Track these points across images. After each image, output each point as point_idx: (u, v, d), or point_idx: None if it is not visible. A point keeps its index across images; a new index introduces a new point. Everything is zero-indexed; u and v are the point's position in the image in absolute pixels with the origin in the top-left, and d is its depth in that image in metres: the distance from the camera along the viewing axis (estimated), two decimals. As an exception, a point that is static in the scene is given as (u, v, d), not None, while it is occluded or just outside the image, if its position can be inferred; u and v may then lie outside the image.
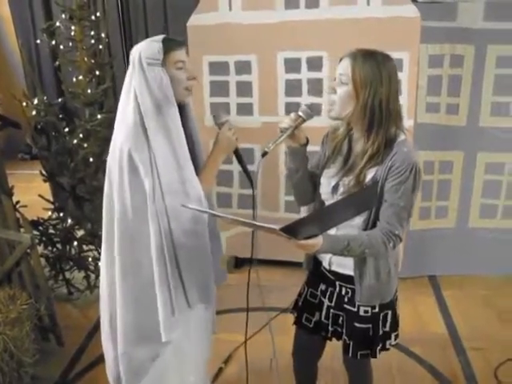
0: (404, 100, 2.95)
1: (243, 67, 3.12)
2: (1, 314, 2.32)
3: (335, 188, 1.58)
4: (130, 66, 1.57)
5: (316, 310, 1.80)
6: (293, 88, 3.06)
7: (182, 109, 1.66)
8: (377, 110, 1.45)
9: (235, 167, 3.12)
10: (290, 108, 2.95)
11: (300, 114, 1.57)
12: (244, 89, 3.16)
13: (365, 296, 1.64)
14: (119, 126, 1.61)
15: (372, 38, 2.83)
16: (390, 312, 1.71)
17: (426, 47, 2.92)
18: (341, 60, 1.51)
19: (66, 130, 2.91)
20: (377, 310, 1.67)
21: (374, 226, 1.54)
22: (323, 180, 1.65)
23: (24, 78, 3.73)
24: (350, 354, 1.71)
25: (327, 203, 1.64)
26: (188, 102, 1.70)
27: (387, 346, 1.74)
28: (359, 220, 1.55)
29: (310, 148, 1.67)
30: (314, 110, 1.60)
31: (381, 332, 1.70)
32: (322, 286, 1.77)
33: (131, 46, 3.33)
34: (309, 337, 1.86)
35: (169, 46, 1.54)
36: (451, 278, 3.31)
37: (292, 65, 3.02)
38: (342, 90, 1.48)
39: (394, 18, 2.79)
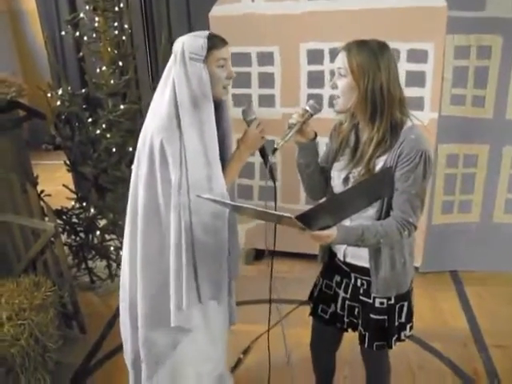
0: (427, 92, 2.91)
1: (265, 58, 3.10)
2: (26, 300, 2.37)
3: (346, 180, 1.58)
4: (172, 58, 1.58)
5: (331, 302, 1.80)
6: (315, 79, 3.04)
7: (217, 107, 1.66)
8: (378, 96, 1.46)
9: (257, 159, 3.12)
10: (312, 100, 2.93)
11: (307, 108, 1.57)
12: (266, 80, 3.15)
13: (381, 288, 1.63)
14: (152, 117, 1.62)
15: (396, 29, 2.80)
16: (405, 303, 1.70)
17: (453, 38, 2.86)
18: (337, 54, 1.51)
19: (90, 120, 2.94)
20: (392, 301, 1.67)
21: (386, 216, 1.54)
22: (334, 173, 1.65)
23: (49, 69, 3.78)
24: (366, 345, 1.71)
25: None
26: (224, 100, 1.70)
27: (402, 337, 1.73)
28: (372, 211, 1.55)
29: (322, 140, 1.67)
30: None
31: (396, 323, 1.70)
32: (337, 278, 1.77)
33: (154, 38, 3.35)
34: (325, 328, 1.86)
35: (213, 42, 1.55)
36: (474, 274, 3.25)
37: (315, 56, 3.00)
38: (342, 83, 1.49)
39: (420, 8, 2.74)
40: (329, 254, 1.80)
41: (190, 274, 1.64)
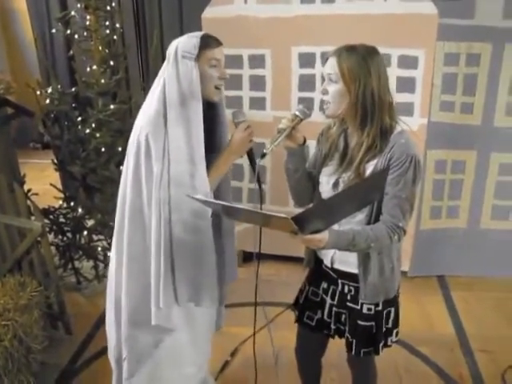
0: (417, 98, 2.93)
1: (257, 61, 3.10)
2: (11, 300, 2.34)
3: (335, 185, 1.58)
4: (166, 60, 1.58)
5: (318, 308, 1.79)
6: (306, 83, 3.04)
7: (213, 109, 1.66)
8: (369, 101, 1.46)
9: (246, 161, 3.11)
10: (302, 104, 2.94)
11: (297, 113, 1.56)
12: (257, 83, 3.15)
13: (369, 293, 1.63)
14: (142, 116, 1.62)
15: (388, 35, 2.82)
16: (392, 309, 1.70)
17: (443, 45, 2.89)
18: (327, 59, 1.51)
19: (79, 119, 2.92)
20: (380, 307, 1.67)
21: (376, 221, 1.54)
22: (322, 178, 1.64)
23: (38, 68, 3.74)
24: (354, 352, 1.70)
25: None
26: (220, 103, 1.68)
27: (389, 343, 1.73)
28: (361, 215, 1.55)
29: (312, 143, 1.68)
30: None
31: (384, 329, 1.70)
32: (324, 284, 1.76)
33: (145, 38, 3.33)
34: (311, 335, 1.85)
35: (206, 42, 1.55)
36: (460, 279, 3.28)
37: (306, 60, 3.01)
38: (333, 89, 1.49)
39: (411, 15, 2.76)
40: (315, 260, 1.79)
41: (167, 274, 1.62)
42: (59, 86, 2.89)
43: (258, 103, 3.19)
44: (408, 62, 2.87)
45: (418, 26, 2.77)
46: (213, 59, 1.55)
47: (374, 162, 1.50)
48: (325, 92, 1.52)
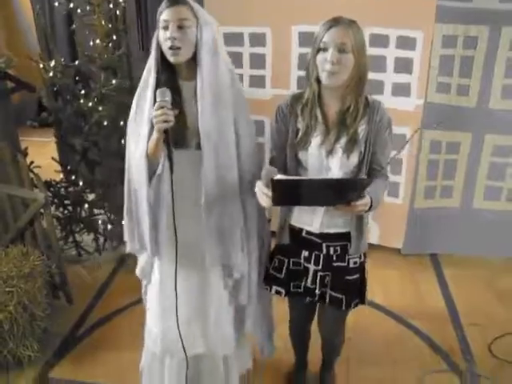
0: (415, 79, 2.98)
1: (258, 39, 3.13)
2: (15, 268, 2.39)
3: (330, 152, 1.63)
4: None
5: (303, 276, 1.84)
6: (306, 62, 3.07)
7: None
8: (365, 72, 1.58)
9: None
10: (302, 82, 2.96)
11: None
12: (257, 61, 3.19)
13: (358, 247, 1.77)
14: None
15: (387, 16, 2.86)
16: (367, 259, 1.86)
17: (441, 27, 2.93)
18: (330, 28, 1.52)
19: (82, 92, 2.94)
20: (362, 259, 1.82)
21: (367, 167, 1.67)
22: (312, 151, 1.65)
23: (38, 42, 3.74)
24: (344, 307, 1.81)
25: (318, 173, 1.66)
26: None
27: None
28: (354, 159, 1.64)
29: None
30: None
31: (365, 279, 1.85)
32: (305, 253, 1.81)
33: (146, 14, 3.31)
34: (302, 302, 1.91)
35: (161, 7, 1.57)
36: (453, 258, 3.36)
37: (306, 39, 3.04)
38: (345, 59, 1.52)
39: (411, -4, 2.80)
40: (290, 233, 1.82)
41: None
42: (62, 60, 2.90)
43: (257, 81, 3.22)
44: (406, 43, 2.91)
45: (417, 7, 2.80)
46: (162, 21, 1.56)
47: (363, 125, 1.62)
48: (337, 61, 1.51)
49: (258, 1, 3.03)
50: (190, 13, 1.56)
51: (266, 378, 2.31)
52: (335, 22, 1.53)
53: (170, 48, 1.55)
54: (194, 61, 1.60)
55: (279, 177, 1.46)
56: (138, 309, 2.54)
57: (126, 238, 1.88)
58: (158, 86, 1.57)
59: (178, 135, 1.61)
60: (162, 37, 1.56)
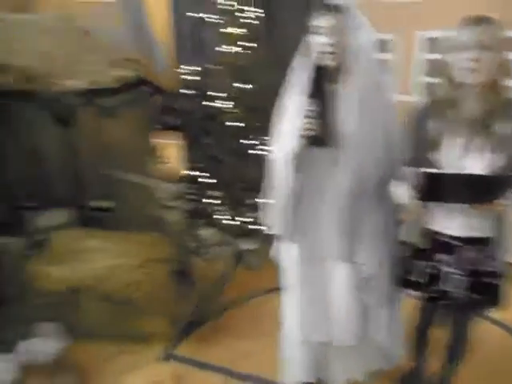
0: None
1: (382, 45, 3.16)
2: (150, 253, 2.62)
3: (467, 153, 1.61)
4: None
5: (441, 280, 1.81)
6: (438, 66, 3.04)
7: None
8: (507, 71, 1.60)
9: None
10: (426, 87, 2.90)
11: None
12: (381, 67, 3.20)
13: (498, 250, 1.74)
14: None
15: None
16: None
17: None
18: (469, 26, 1.55)
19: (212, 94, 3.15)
20: (503, 262, 1.77)
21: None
22: (447, 149, 1.65)
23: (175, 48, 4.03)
24: (481, 309, 1.87)
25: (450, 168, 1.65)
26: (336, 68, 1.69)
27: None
28: (493, 161, 1.60)
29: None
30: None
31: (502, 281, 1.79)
32: (442, 256, 1.79)
33: (275, 23, 3.39)
34: (434, 306, 1.92)
35: (316, 13, 1.67)
36: None
37: (430, 45, 2.99)
38: (487, 57, 1.54)
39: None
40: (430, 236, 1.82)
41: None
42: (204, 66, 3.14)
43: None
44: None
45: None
46: (316, 27, 1.65)
47: (505, 125, 1.58)
48: (477, 59, 1.54)
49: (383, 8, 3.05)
50: (343, 19, 1.63)
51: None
52: (475, 21, 1.55)
53: (324, 53, 1.64)
54: (341, 64, 1.68)
55: (428, 170, 1.47)
56: (255, 301, 2.71)
57: (270, 222, 1.97)
58: (307, 89, 1.67)
59: (320, 135, 1.69)
60: (316, 42, 1.65)
